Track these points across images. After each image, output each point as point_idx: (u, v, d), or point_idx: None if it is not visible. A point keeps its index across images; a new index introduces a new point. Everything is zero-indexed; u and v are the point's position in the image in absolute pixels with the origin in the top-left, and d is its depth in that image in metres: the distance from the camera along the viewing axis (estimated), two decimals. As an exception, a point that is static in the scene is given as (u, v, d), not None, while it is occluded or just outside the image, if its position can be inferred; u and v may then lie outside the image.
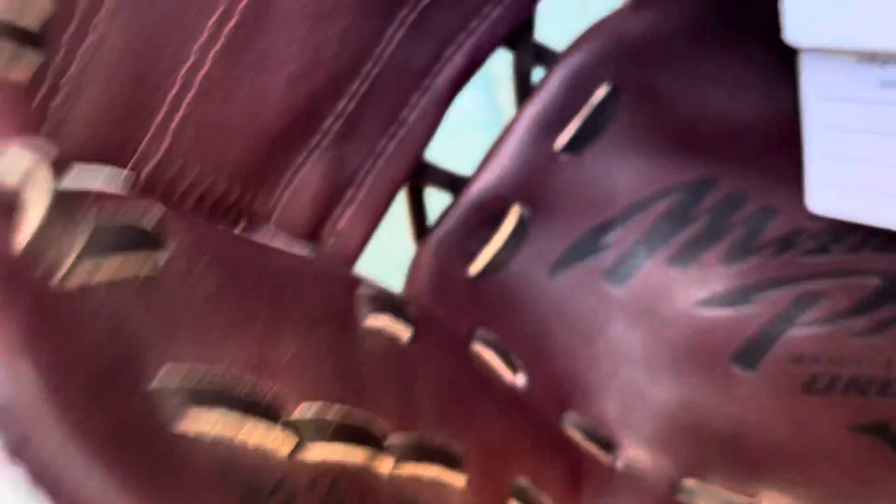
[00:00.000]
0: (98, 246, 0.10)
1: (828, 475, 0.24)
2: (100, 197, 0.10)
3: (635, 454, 0.25)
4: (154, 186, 0.14)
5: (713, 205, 0.25)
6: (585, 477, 0.24)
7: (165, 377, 0.10)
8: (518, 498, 0.22)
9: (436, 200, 0.25)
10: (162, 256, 0.12)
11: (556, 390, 0.25)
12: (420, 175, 0.23)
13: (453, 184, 0.25)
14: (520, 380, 0.24)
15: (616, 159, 0.25)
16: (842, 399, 0.24)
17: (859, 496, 0.24)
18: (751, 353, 0.25)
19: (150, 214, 0.12)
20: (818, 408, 0.24)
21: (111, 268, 0.10)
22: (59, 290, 0.09)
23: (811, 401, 0.24)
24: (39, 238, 0.09)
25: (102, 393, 0.09)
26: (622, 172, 0.25)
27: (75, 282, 0.10)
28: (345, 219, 0.20)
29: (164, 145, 0.14)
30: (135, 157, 0.13)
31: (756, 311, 0.25)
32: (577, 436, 0.25)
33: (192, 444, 0.10)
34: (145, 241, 0.11)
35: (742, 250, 0.25)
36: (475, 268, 0.25)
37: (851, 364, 0.24)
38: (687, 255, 0.25)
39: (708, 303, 0.25)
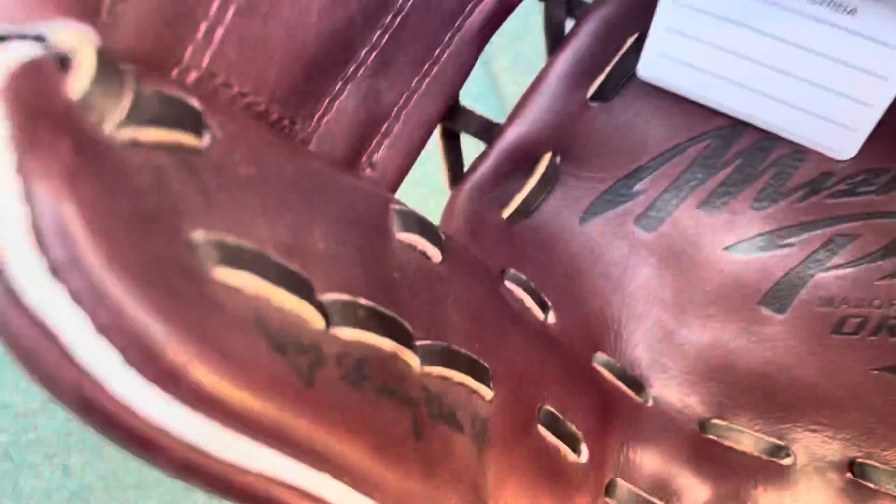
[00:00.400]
0: (145, 111, 0.11)
1: (858, 417, 0.25)
2: (142, 72, 0.12)
3: (664, 394, 0.25)
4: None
5: (743, 150, 0.25)
6: (614, 413, 0.25)
7: (200, 240, 0.12)
8: (547, 424, 0.22)
9: (470, 150, 0.26)
10: (205, 135, 0.13)
11: (587, 331, 0.25)
12: (454, 118, 0.24)
13: (487, 131, 0.26)
14: (550, 319, 0.25)
15: (646, 107, 0.26)
16: (871, 340, 0.24)
17: (889, 437, 0.24)
18: (780, 295, 0.25)
19: (194, 98, 0.13)
20: (847, 349, 0.25)
21: (158, 133, 0.12)
22: (107, 139, 0.11)
23: (840, 342, 0.25)
24: (90, 91, 0.10)
25: (142, 232, 0.10)
26: (652, 120, 0.26)
27: (123, 136, 0.11)
28: (381, 151, 0.21)
29: (207, 58, 0.15)
30: (179, 67, 0.15)
31: (785, 255, 0.25)
32: (606, 375, 0.25)
33: (229, 290, 0.12)
34: (189, 117, 0.12)
35: (771, 194, 0.25)
36: (507, 212, 0.25)
37: (881, 305, 0.24)
38: (717, 200, 0.25)
39: (738, 247, 0.25)
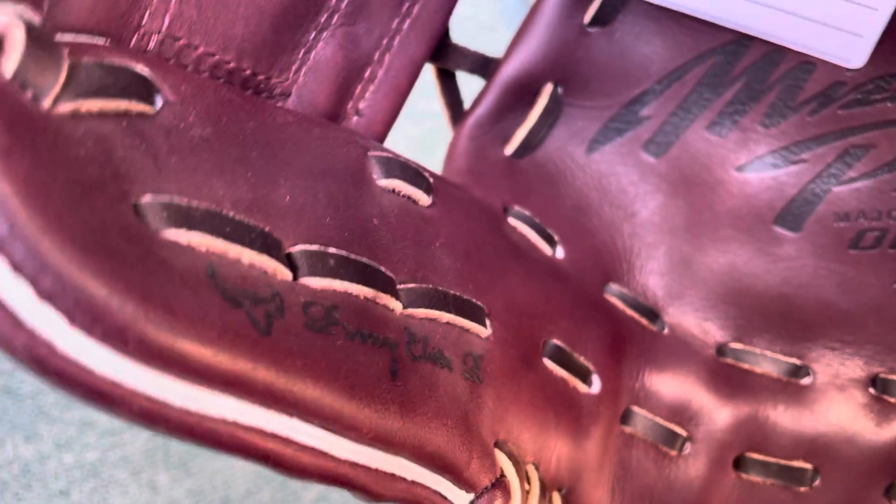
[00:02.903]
0: (84, 82, 0.12)
1: (879, 332, 0.24)
2: (80, 45, 0.12)
3: (681, 321, 0.25)
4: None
5: (749, 65, 0.24)
6: (628, 343, 0.25)
7: (148, 203, 0.12)
8: (553, 358, 0.23)
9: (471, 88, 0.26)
10: (157, 100, 0.13)
11: (598, 263, 0.25)
12: (446, 58, 0.24)
13: (484, 67, 0.25)
14: (559, 253, 0.25)
15: (646, 29, 0.25)
16: (890, 253, 0.24)
17: (913, 352, 0.23)
18: (794, 213, 0.24)
19: (141, 63, 0.13)
20: (866, 265, 0.24)
21: (101, 103, 0.12)
22: (43, 114, 0.11)
23: (858, 258, 0.24)
24: (23, 68, 0.11)
25: (82, 199, 0.11)
26: (654, 41, 0.25)
27: (63, 109, 0.11)
28: (367, 97, 0.21)
29: (167, 21, 0.15)
30: (138, 33, 0.15)
31: (799, 171, 0.24)
32: (619, 305, 0.25)
33: (179, 249, 0.12)
34: (135, 83, 0.13)
35: (781, 110, 0.24)
36: (510, 147, 0.25)
37: (900, 217, 0.23)
38: (726, 119, 0.25)
39: (749, 166, 0.25)
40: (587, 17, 0.25)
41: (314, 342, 0.14)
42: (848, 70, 0.23)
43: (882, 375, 0.24)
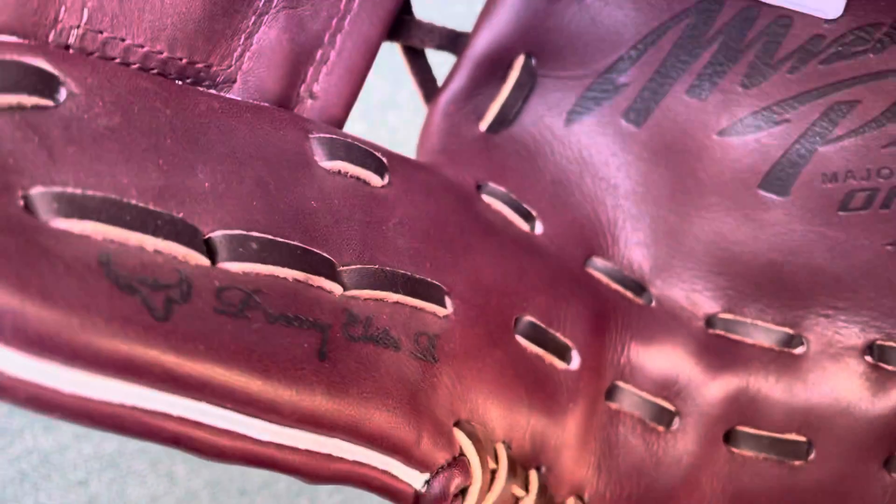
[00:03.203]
0: None
1: (874, 297, 0.23)
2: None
3: (669, 293, 0.25)
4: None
5: (725, 24, 0.23)
6: (612, 317, 0.24)
7: (38, 194, 0.12)
8: (527, 335, 0.22)
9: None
10: (60, 92, 0.13)
11: (579, 237, 0.25)
12: (410, 35, 0.24)
13: (454, 42, 0.25)
14: (538, 229, 0.24)
15: (617, -8, 0.24)
16: (882, 213, 0.22)
17: (911, 316, 0.22)
18: (780, 177, 0.23)
19: (40, 58, 0.13)
20: (857, 226, 0.23)
21: None
22: None
23: (849, 220, 0.23)
24: None
25: None
26: (625, 5, 0.24)
27: None
28: (319, 80, 0.21)
29: (85, 16, 0.16)
30: (55, 29, 0.15)
31: (783, 132, 0.23)
32: (603, 279, 0.25)
33: (69, 239, 0.12)
34: (30, 78, 0.13)
35: (761, 69, 0.23)
36: (485, 123, 0.25)
37: (889, 174, 0.22)
38: (705, 83, 0.24)
39: (731, 129, 0.24)
40: (555, -15, 0.24)
41: (223, 326, 0.14)
42: (825, 22, 0.22)
43: (878, 342, 0.23)
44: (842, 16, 0.21)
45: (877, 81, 0.22)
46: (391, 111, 0.42)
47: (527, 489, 0.21)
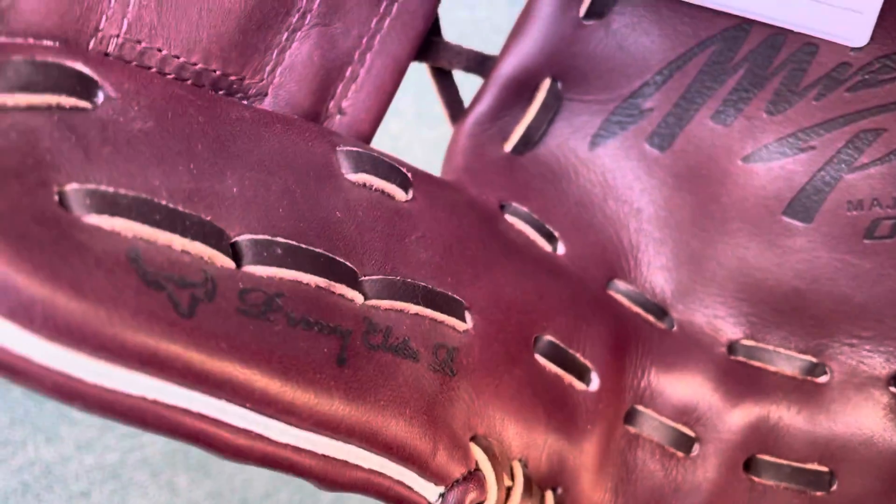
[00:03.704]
0: (11, 78, 0.13)
1: (900, 327, 0.23)
2: (12, 44, 0.13)
3: (690, 318, 0.24)
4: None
5: (751, 51, 0.23)
6: (633, 341, 0.24)
7: (72, 190, 0.13)
8: (546, 354, 0.22)
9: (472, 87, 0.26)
10: (98, 96, 0.14)
11: (601, 259, 0.25)
12: (439, 56, 0.24)
13: (481, 65, 0.25)
14: (560, 249, 0.24)
15: (644, 18, 0.24)
16: (908, 242, 0.22)
17: (937, 347, 0.22)
18: (805, 203, 0.23)
19: (80, 62, 0.14)
20: (882, 255, 0.22)
21: (29, 98, 0.13)
22: None
23: (874, 248, 0.23)
24: None
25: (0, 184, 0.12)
26: (652, 31, 0.24)
27: None
28: (349, 97, 0.21)
29: (125, 27, 0.16)
30: (96, 37, 0.16)
31: (807, 158, 0.23)
32: (625, 302, 0.25)
33: (100, 234, 0.13)
34: (69, 80, 0.14)
35: (786, 95, 0.23)
36: (510, 144, 0.25)
37: (916, 203, 0.22)
38: (730, 108, 0.24)
39: (756, 155, 0.24)
40: (582, 10, 0.25)
41: (245, 326, 0.14)
42: (852, 50, 0.22)
43: (904, 373, 0.22)
44: (868, 44, 0.21)
45: (903, 110, 0.22)
46: (393, 118, 0.43)
47: (542, 509, 0.21)
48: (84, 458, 0.38)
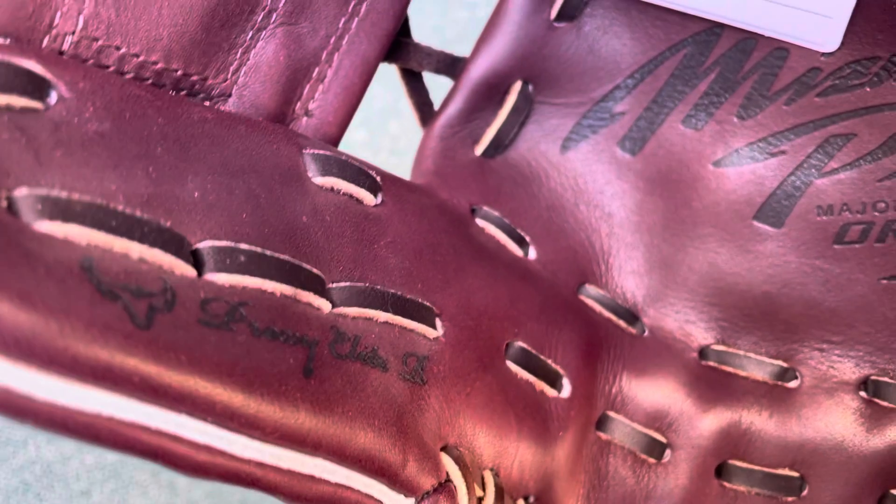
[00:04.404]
0: None
1: (869, 331, 0.23)
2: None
3: (661, 323, 0.24)
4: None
5: (722, 54, 0.23)
6: (605, 346, 0.24)
7: (22, 195, 0.12)
8: (518, 361, 0.22)
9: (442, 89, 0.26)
10: (50, 95, 0.13)
11: (572, 264, 0.25)
12: (408, 58, 0.24)
13: (451, 66, 0.25)
14: (531, 254, 0.24)
15: (615, 21, 0.24)
16: (877, 248, 0.22)
17: (906, 351, 0.22)
18: (775, 208, 0.23)
19: (32, 60, 0.13)
20: (852, 260, 0.23)
21: None
22: None
23: (844, 253, 0.23)
24: None
25: None
26: (623, 34, 0.24)
27: None
28: (316, 98, 0.21)
29: (80, 23, 0.16)
30: (50, 34, 0.15)
31: (778, 164, 0.23)
32: (595, 307, 0.24)
33: (52, 242, 0.12)
34: (20, 79, 0.13)
35: (757, 100, 0.23)
36: (480, 147, 0.25)
37: (885, 209, 0.22)
38: (701, 112, 0.24)
39: (726, 160, 0.24)
40: (553, 12, 0.24)
41: (207, 337, 0.13)
42: (822, 55, 0.22)
43: (873, 377, 0.22)
44: (839, 49, 0.21)
45: (873, 115, 0.22)
46: (393, 119, 0.42)
47: (514, 519, 0.20)
48: (85, 458, 0.38)
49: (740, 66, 0.23)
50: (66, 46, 0.16)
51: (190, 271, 0.14)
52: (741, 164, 0.23)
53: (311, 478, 0.15)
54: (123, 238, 0.13)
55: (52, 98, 0.13)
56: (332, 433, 0.15)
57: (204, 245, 0.15)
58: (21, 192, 0.12)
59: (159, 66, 0.17)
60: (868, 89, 0.22)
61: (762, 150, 0.23)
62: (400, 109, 0.42)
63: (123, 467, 0.38)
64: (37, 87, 0.13)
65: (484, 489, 0.20)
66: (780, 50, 0.22)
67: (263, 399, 0.14)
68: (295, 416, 0.14)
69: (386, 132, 0.42)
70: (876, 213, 0.22)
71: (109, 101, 0.14)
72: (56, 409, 0.11)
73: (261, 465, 0.14)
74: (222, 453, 0.14)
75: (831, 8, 0.20)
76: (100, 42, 0.16)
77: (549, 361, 0.22)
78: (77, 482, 0.38)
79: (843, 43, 0.21)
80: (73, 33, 0.16)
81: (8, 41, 0.14)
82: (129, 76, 0.17)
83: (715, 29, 0.23)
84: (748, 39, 0.23)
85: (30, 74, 0.13)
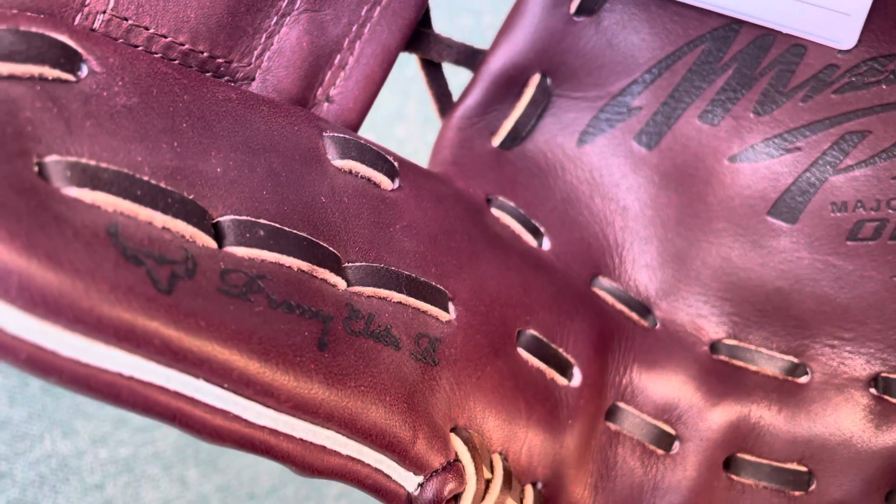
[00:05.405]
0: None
1: (881, 328, 0.23)
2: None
3: (674, 316, 0.25)
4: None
5: (740, 51, 0.23)
6: (616, 337, 0.24)
7: (52, 161, 0.12)
8: (529, 348, 0.22)
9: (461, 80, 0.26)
10: (81, 68, 0.14)
11: (586, 256, 0.25)
12: (429, 48, 0.24)
13: (471, 58, 0.25)
14: (545, 245, 0.24)
15: (634, 16, 0.24)
16: (891, 245, 0.22)
17: (917, 349, 0.22)
18: (790, 204, 0.23)
19: (65, 34, 0.14)
20: (865, 257, 0.23)
21: (13, 67, 0.13)
22: None
23: (857, 250, 0.23)
24: None
25: None
26: (642, 29, 0.24)
27: None
28: (337, 85, 0.21)
29: (111, 3, 0.16)
30: (82, 13, 0.16)
31: (793, 160, 0.23)
32: (608, 299, 0.25)
33: (80, 207, 0.12)
34: (53, 51, 0.13)
35: (774, 96, 0.23)
36: (498, 138, 0.25)
37: (899, 205, 0.22)
38: (717, 108, 0.24)
39: (742, 156, 0.24)
40: (573, 7, 0.25)
41: (225, 306, 0.14)
42: (839, 52, 0.22)
43: (884, 375, 0.22)
44: (856, 46, 0.22)
45: (889, 112, 0.22)
46: (399, 124, 0.43)
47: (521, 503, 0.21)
48: (98, 452, 0.39)
49: (757, 63, 0.23)
50: (97, 25, 0.16)
51: (211, 243, 0.14)
52: (757, 159, 0.24)
53: (323, 449, 0.16)
54: (148, 207, 0.13)
55: (83, 71, 0.14)
56: (344, 405, 0.16)
57: (225, 219, 0.15)
58: (52, 159, 0.12)
59: (186, 47, 0.18)
60: (884, 86, 0.22)
61: (778, 146, 0.23)
62: (406, 114, 0.43)
63: (136, 461, 0.39)
64: (69, 60, 0.14)
65: (492, 472, 0.20)
66: (798, 47, 0.23)
67: (278, 368, 0.14)
68: (308, 387, 0.15)
69: (392, 136, 0.43)
70: (890, 211, 0.22)
71: (138, 77, 0.15)
72: (80, 367, 0.12)
73: (274, 432, 0.15)
74: (238, 419, 0.14)
75: (849, 5, 0.20)
76: (129, 22, 0.17)
77: (561, 350, 0.23)
78: (91, 475, 0.39)
79: (859, 40, 0.21)
80: (104, 12, 0.16)
81: (42, 16, 0.15)
82: (156, 55, 0.17)
83: (733, 25, 0.23)
84: (766, 36, 0.23)
85: (63, 47, 0.14)
